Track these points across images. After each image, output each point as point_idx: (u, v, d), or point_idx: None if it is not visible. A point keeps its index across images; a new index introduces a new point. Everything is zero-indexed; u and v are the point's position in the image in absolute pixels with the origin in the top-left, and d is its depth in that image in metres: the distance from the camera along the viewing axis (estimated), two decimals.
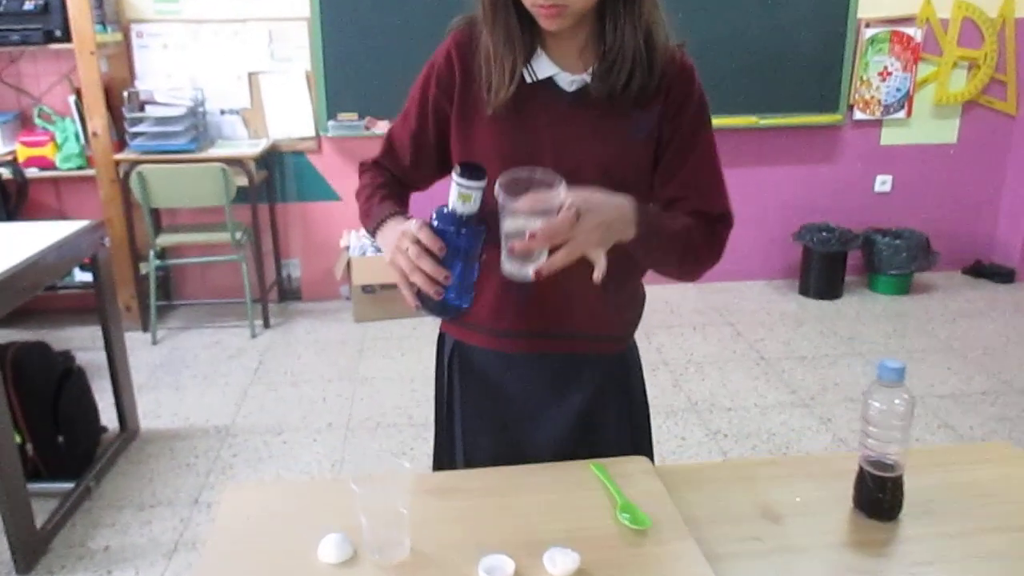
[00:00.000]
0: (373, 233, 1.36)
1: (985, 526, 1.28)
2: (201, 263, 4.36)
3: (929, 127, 4.83)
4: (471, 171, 1.14)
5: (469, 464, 1.47)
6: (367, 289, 4.31)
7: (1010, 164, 4.92)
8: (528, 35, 1.30)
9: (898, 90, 4.70)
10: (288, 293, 4.68)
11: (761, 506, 1.33)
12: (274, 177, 4.48)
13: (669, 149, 1.35)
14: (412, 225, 1.18)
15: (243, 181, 4.06)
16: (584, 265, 1.19)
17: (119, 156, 4.02)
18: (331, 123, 4.33)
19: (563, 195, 1.13)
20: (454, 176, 1.16)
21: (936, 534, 1.26)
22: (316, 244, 4.62)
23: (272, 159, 4.43)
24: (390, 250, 1.22)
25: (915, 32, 4.61)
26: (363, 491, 1.15)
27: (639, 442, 1.54)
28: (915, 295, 4.74)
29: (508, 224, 1.14)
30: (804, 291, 4.77)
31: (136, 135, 4.01)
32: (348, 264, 4.31)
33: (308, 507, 1.30)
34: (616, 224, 1.19)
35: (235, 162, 4.01)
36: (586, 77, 1.31)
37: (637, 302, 1.50)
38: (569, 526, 1.23)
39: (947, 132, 4.85)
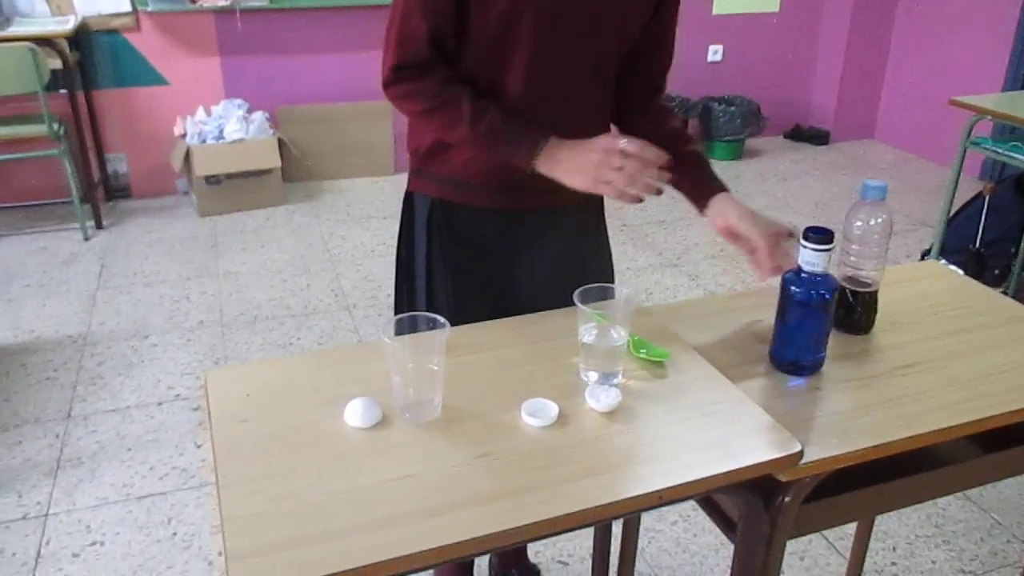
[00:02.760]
0: (524, 159, 1.26)
1: (948, 329, 1.39)
2: (9, 161, 3.82)
3: None
4: (823, 233, 1.20)
5: (459, 323, 1.40)
6: (211, 180, 3.97)
7: (823, 33, 5.24)
8: None
9: None
10: (115, 191, 4.23)
11: (751, 333, 1.37)
12: (87, 61, 3.96)
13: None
14: (621, 143, 1.21)
15: (55, 64, 3.56)
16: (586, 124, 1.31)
17: None
18: None
19: None
20: (808, 244, 1.20)
21: (909, 341, 1.36)
22: (142, 135, 4.17)
23: (81, 39, 3.89)
24: (591, 171, 1.22)
25: None
26: (397, 346, 1.07)
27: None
28: (746, 159, 5.03)
29: None
30: None
31: None
32: (187, 154, 3.94)
33: (311, 378, 1.19)
34: None
35: (43, 42, 3.49)
36: None
37: None
38: None
39: (771, 1, 5.07)
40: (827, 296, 1.21)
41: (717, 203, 1.37)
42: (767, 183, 4.66)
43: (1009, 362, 1.29)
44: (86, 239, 3.77)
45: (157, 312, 3.16)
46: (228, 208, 4.05)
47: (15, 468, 2.31)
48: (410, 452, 1.04)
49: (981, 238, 3.20)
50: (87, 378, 2.73)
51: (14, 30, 3.55)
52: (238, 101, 4.12)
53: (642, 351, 1.24)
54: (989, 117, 2.83)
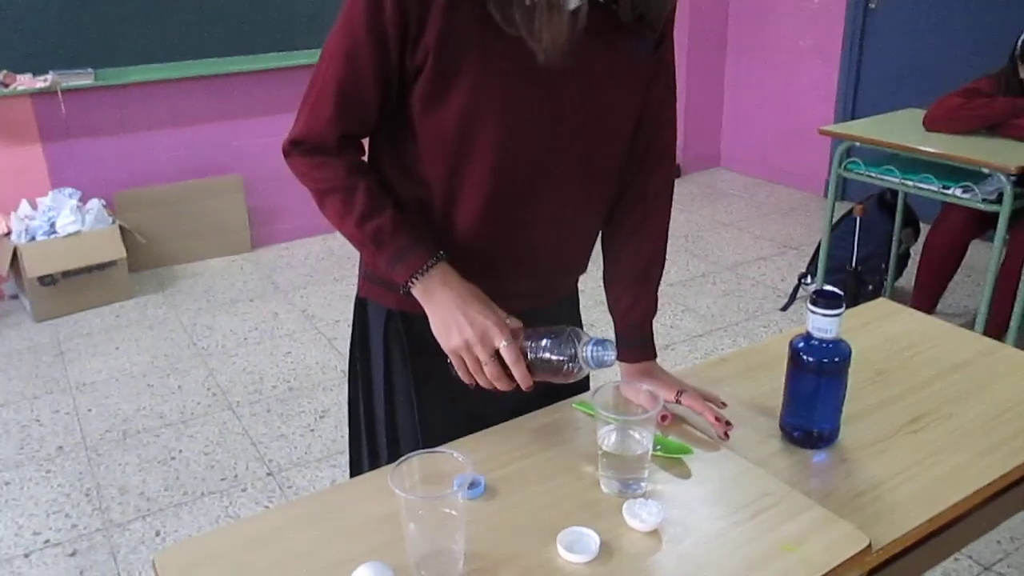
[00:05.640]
0: (400, 279, 1.11)
1: (932, 373, 1.36)
2: None
3: None
4: (832, 297, 1.11)
5: (427, 444, 1.21)
6: (46, 280, 3.53)
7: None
8: None
9: None
10: None
11: (747, 404, 1.28)
12: None
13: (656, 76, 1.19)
14: (502, 343, 1.05)
15: None
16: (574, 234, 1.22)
17: None
18: None
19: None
20: (818, 310, 1.11)
21: (902, 392, 1.31)
22: None
23: None
24: (458, 342, 1.07)
25: None
26: (411, 495, 0.88)
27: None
28: None
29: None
30: None
31: None
32: (15, 254, 3.49)
33: (292, 542, 0.97)
34: None
35: None
36: None
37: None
38: None
39: None
40: (842, 361, 1.13)
41: (643, 372, 1.26)
42: None
43: (1008, 399, 1.26)
44: None
45: (3, 443, 2.72)
46: (69, 309, 3.60)
47: None
48: None
49: (856, 256, 3.32)
50: None
51: None
52: (68, 190, 3.70)
53: (657, 448, 1.11)
54: (857, 143, 2.94)
